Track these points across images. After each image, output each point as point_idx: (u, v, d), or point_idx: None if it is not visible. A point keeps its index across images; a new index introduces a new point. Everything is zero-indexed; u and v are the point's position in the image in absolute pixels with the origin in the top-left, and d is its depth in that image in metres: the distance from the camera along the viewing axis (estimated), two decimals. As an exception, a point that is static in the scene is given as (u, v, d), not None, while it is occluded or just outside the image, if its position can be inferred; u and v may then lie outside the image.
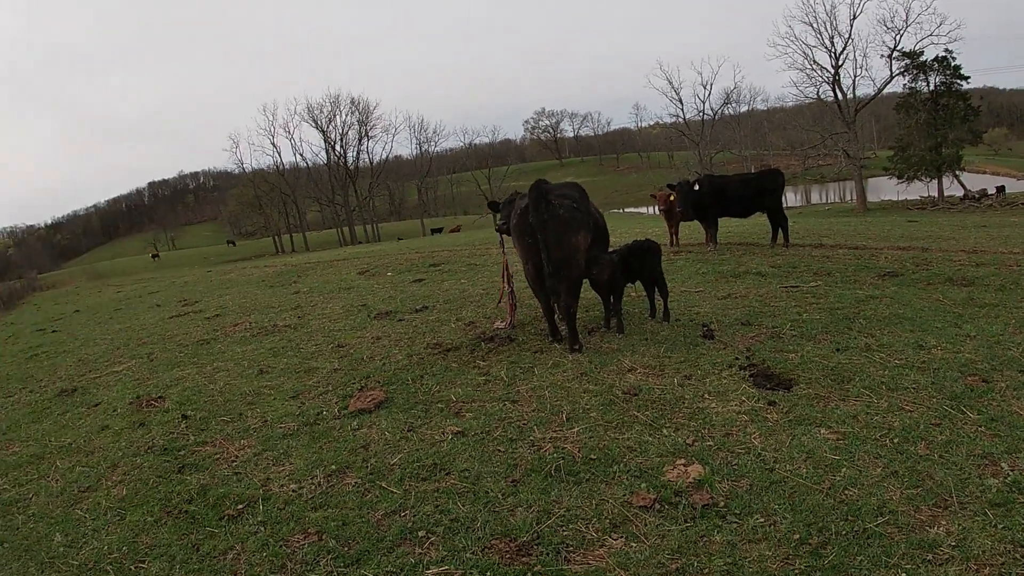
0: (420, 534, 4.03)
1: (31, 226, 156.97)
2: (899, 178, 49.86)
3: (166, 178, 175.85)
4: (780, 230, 14.37)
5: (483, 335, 8.19)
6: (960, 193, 46.28)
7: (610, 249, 8.26)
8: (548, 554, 3.73)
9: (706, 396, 5.61)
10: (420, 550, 3.88)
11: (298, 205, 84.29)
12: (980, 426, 4.74)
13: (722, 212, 14.49)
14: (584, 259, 7.38)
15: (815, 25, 49.75)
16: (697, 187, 14.03)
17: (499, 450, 4.97)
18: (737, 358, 6.46)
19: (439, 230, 68.57)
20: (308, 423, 5.99)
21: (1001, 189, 45.09)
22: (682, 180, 14.57)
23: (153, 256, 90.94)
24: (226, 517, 4.50)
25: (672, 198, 14.69)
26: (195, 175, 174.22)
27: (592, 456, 4.70)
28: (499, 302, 9.22)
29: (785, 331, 7.28)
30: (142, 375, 8.61)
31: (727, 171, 73.00)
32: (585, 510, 4.10)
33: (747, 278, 10.55)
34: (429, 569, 3.71)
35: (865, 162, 55.62)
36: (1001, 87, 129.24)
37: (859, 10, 48.12)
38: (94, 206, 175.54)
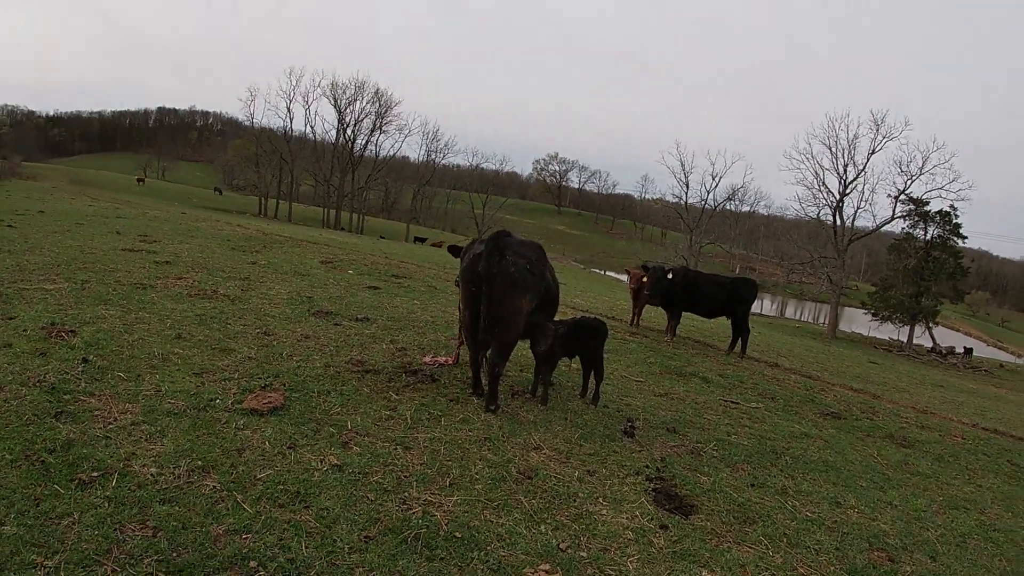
0: (251, 564, 3.71)
1: (32, 112, 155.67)
2: (874, 315, 50.61)
3: (177, 108, 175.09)
4: (740, 340, 14.24)
5: (408, 366, 7.88)
6: (929, 345, 46.83)
7: (556, 318, 8.00)
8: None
9: (600, 500, 5.30)
10: None
11: (294, 174, 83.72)
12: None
13: (689, 307, 14.37)
14: (523, 323, 7.13)
15: (834, 150, 51.00)
16: (671, 276, 13.90)
17: (368, 497, 4.64)
18: (647, 466, 6.17)
19: (423, 240, 68.27)
20: (197, 407, 5.67)
21: (968, 351, 45.66)
22: (658, 265, 14.48)
23: (139, 180, 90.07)
24: (78, 481, 4.23)
25: (644, 279, 14.55)
26: (205, 114, 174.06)
27: (457, 534, 4.37)
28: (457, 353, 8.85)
29: (708, 449, 7.03)
30: (67, 302, 8.29)
31: (714, 263, 73.70)
32: (424, 593, 3.78)
33: (692, 380, 10.33)
34: None
35: (846, 291, 56.44)
36: (995, 253, 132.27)
37: (879, 147, 49.43)
38: (99, 113, 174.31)
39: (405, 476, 5.07)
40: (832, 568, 4.96)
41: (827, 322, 52.83)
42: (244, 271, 12.69)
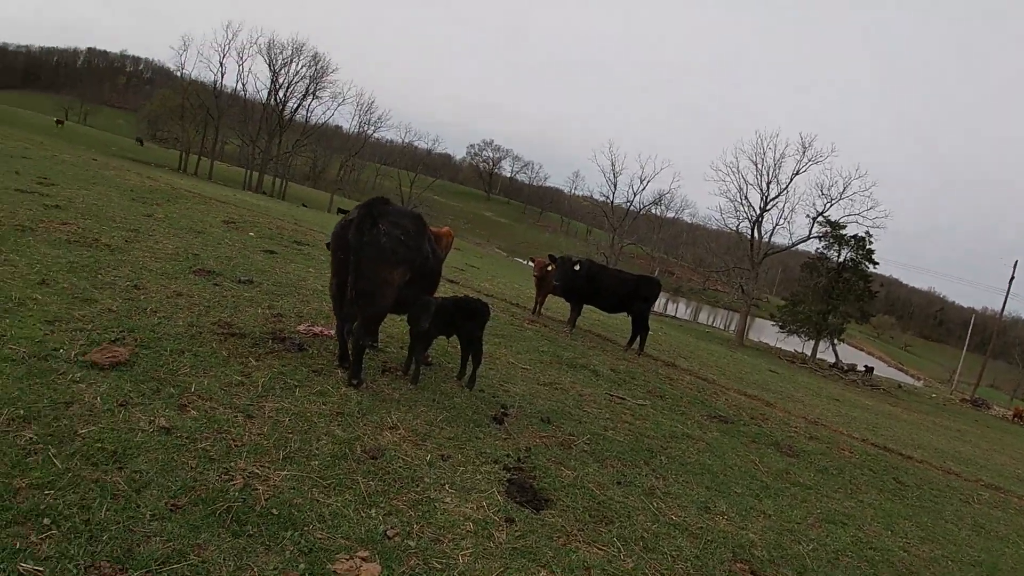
0: (45, 521, 3.45)
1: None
2: (781, 328, 52.07)
3: (107, 50, 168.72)
4: (640, 337, 14.27)
5: (279, 332, 7.50)
6: (832, 360, 48.15)
7: (436, 295, 7.72)
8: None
9: (447, 487, 5.03)
10: (35, 538, 3.32)
11: (219, 132, 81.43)
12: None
13: (590, 300, 14.30)
14: (393, 296, 6.82)
15: (759, 166, 52.09)
16: (577, 268, 13.79)
17: (189, 464, 4.30)
18: (509, 455, 5.94)
19: (346, 211, 67.02)
20: (38, 355, 5.26)
21: (869, 370, 47.39)
22: (566, 256, 14.34)
23: (58, 122, 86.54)
24: None
25: (549, 268, 14.44)
26: (136, 59, 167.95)
27: (275, 511, 4.05)
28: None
29: (579, 443, 6.85)
30: None
31: (634, 264, 74.53)
32: (220, 569, 3.47)
33: (581, 372, 10.20)
34: (26, 563, 3.14)
35: (757, 303, 57.79)
36: (905, 281, 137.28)
37: (804, 168, 50.72)
38: (26, 48, 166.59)
39: (237, 445, 4.73)
40: (687, 577, 4.73)
41: (736, 330, 53.94)
42: (136, 223, 12.06)
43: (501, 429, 6.57)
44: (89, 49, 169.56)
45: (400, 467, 5.12)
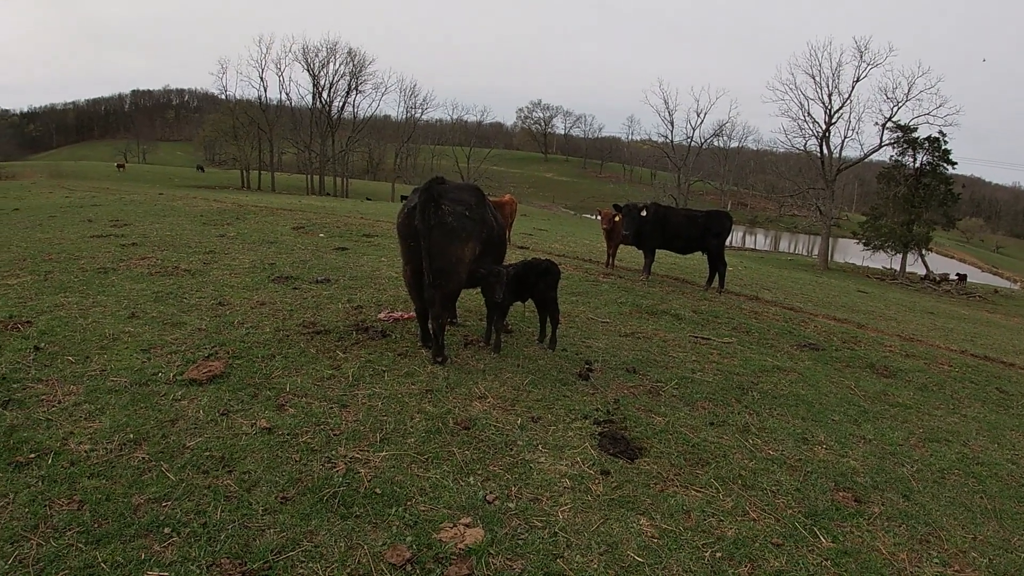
0: (166, 530, 3.70)
1: (5, 111, 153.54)
2: (865, 245, 50.15)
3: (151, 89, 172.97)
4: (717, 275, 14.09)
5: (362, 323, 7.74)
6: (922, 272, 46.56)
7: (505, 263, 7.81)
8: (263, 590, 3.38)
9: (540, 447, 5.15)
10: (158, 547, 3.56)
11: (273, 144, 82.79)
12: (826, 559, 4.15)
13: (662, 244, 14.16)
14: (467, 271, 6.94)
15: (817, 79, 49.95)
16: (643, 213, 13.68)
17: (293, 458, 4.53)
18: (598, 409, 6.01)
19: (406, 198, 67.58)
20: (140, 382, 5.58)
21: (962, 278, 45.31)
22: (630, 204, 14.23)
23: (119, 166, 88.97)
24: (16, 463, 4.23)
25: (617, 219, 14.38)
26: (180, 92, 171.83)
27: (378, 490, 4.24)
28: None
29: (667, 388, 6.87)
30: (27, 295, 8.09)
31: (705, 201, 73.16)
32: (332, 551, 3.66)
33: (662, 318, 10.17)
34: (151, 570, 3.38)
35: (836, 222, 55.81)
36: (987, 179, 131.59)
37: (864, 74, 48.43)
38: (73, 103, 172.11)
39: (336, 434, 4.95)
40: (789, 512, 4.70)
41: (818, 253, 52.29)
42: (211, 244, 12.52)
43: (588, 385, 6.65)
44: (133, 92, 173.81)
45: (492, 434, 5.26)
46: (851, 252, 60.93)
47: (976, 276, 60.23)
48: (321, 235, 15.40)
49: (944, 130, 46.72)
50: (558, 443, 5.27)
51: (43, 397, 5.19)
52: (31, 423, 4.74)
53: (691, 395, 6.80)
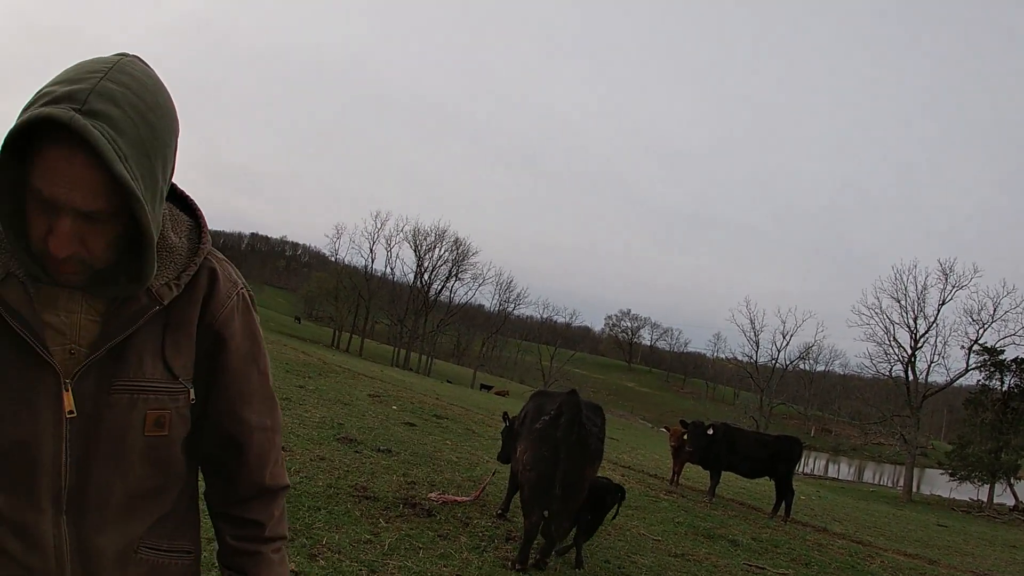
0: None
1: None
2: (952, 476, 47.04)
3: (268, 236, 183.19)
4: (784, 502, 13.66)
5: (411, 499, 7.83)
6: (1011, 503, 43.33)
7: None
8: None
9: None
10: None
11: (369, 312, 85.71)
12: None
13: (729, 466, 13.97)
14: (587, 488, 7.03)
15: (903, 303, 48.86)
16: (711, 432, 13.64)
17: (314, 613, 4.61)
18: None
19: (489, 387, 68.49)
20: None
21: (1055, 507, 41.68)
22: (697, 422, 14.22)
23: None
24: None
25: (684, 437, 14.33)
26: (295, 245, 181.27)
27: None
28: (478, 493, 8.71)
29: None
30: None
31: (786, 426, 71.04)
32: None
33: (718, 543, 9.86)
34: None
35: (924, 451, 53.06)
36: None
37: (950, 297, 47.10)
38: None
39: (356, 602, 5.00)
40: None
41: (902, 485, 49.40)
42: (289, 392, 12.98)
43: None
44: (252, 234, 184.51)
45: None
46: (938, 483, 57.31)
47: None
48: (394, 407, 15.76)
49: (1033, 350, 44.70)
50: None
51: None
52: None
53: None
